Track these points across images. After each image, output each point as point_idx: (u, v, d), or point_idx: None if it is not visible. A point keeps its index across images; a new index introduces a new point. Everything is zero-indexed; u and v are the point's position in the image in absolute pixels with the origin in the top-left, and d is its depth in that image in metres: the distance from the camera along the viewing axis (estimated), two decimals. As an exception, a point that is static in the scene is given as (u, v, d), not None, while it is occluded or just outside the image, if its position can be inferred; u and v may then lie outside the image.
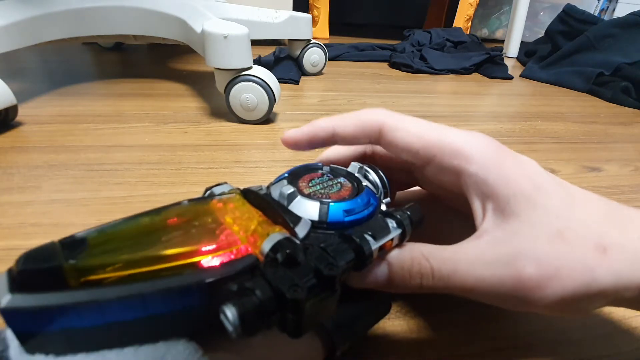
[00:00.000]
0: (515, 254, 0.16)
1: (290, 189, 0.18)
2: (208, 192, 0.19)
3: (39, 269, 0.12)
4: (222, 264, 0.14)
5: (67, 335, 0.12)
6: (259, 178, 0.40)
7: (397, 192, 0.26)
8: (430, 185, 0.23)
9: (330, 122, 0.20)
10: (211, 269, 0.14)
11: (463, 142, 0.18)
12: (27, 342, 0.12)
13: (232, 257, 0.14)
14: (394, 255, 0.17)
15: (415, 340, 0.22)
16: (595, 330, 0.24)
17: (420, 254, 0.17)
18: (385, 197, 0.21)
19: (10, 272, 0.12)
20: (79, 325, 0.12)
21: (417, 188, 0.26)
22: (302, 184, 0.19)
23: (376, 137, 0.20)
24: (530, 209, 0.16)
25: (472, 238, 0.17)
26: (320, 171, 0.21)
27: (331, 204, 0.17)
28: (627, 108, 0.80)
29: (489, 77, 0.98)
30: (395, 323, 0.23)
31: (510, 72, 1.01)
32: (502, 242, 0.16)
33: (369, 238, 0.16)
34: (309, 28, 0.83)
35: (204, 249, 0.14)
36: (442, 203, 0.24)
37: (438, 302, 0.25)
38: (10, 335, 0.13)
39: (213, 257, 0.14)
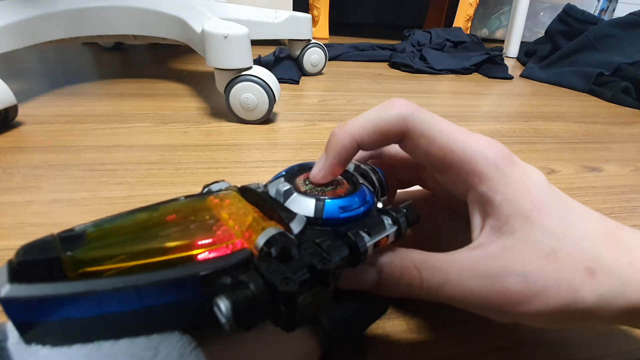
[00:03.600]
0: (505, 270, 0.16)
1: (286, 186, 0.18)
2: (206, 189, 0.19)
3: (37, 260, 0.13)
4: (217, 258, 0.14)
5: (64, 326, 0.13)
6: (259, 178, 0.40)
7: (398, 191, 0.26)
8: (435, 187, 0.23)
9: (351, 137, 0.18)
10: (206, 262, 0.14)
11: (480, 160, 0.17)
12: (26, 332, 0.12)
13: (227, 251, 0.15)
14: (385, 262, 0.17)
15: (415, 340, 0.22)
16: (595, 330, 0.24)
17: (411, 264, 0.17)
18: (382, 196, 0.21)
19: (10, 263, 0.13)
20: (75, 316, 0.12)
21: (418, 188, 0.26)
22: (298, 181, 0.20)
23: (398, 140, 0.19)
24: (527, 229, 0.16)
25: (466, 249, 0.18)
26: None
27: (327, 200, 0.17)
28: (627, 108, 0.80)
29: (489, 77, 0.98)
30: (395, 323, 0.23)
31: (510, 72, 1.01)
32: (493, 257, 0.17)
33: (364, 235, 0.16)
34: (309, 28, 0.83)
35: (199, 243, 0.14)
36: (443, 203, 0.24)
37: (438, 302, 0.25)
38: (10, 327, 0.13)
39: (208, 251, 0.14)
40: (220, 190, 0.19)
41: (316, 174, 0.19)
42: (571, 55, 0.99)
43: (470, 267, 0.17)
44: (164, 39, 0.67)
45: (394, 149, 0.23)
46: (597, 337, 0.23)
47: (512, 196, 0.17)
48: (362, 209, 0.18)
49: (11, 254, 0.13)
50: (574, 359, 0.22)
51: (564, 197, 0.18)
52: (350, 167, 0.21)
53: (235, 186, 0.19)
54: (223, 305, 0.12)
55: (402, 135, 0.18)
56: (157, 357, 0.13)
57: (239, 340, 0.16)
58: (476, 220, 0.18)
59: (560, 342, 0.23)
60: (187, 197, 0.18)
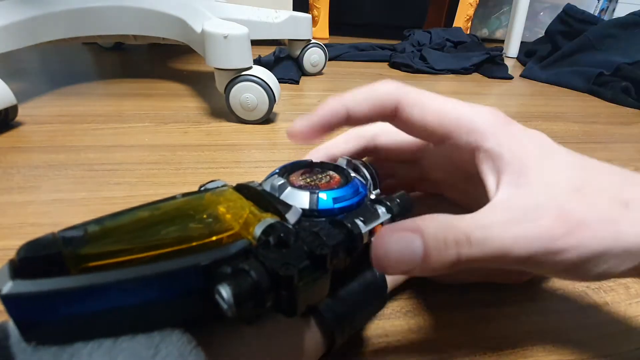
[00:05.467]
0: (538, 210, 0.15)
1: (281, 181, 0.18)
2: (202, 188, 0.20)
3: (39, 256, 0.13)
4: (216, 249, 0.14)
5: (65, 325, 0.13)
6: (259, 178, 0.40)
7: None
8: (436, 171, 0.23)
9: (342, 103, 0.18)
10: (206, 253, 0.14)
11: (479, 119, 0.17)
12: (27, 331, 0.12)
13: (226, 242, 0.15)
14: (425, 225, 0.15)
15: (415, 340, 0.22)
16: (595, 330, 0.24)
17: (448, 222, 0.15)
18: (375, 189, 0.22)
19: (11, 261, 0.13)
20: (78, 312, 0.12)
21: (417, 193, 0.26)
22: (292, 177, 0.20)
23: (391, 115, 0.18)
24: (545, 174, 0.16)
25: (489, 206, 0.16)
26: (310, 167, 0.22)
27: (321, 192, 0.18)
28: (627, 108, 0.80)
29: (489, 77, 0.98)
30: (395, 323, 0.23)
31: (510, 72, 1.01)
32: (522, 206, 0.15)
33: (359, 222, 0.17)
34: (309, 28, 0.83)
35: (198, 236, 0.15)
36: (445, 201, 0.24)
37: (438, 302, 0.25)
38: (11, 325, 0.13)
39: (208, 244, 0.14)
40: (216, 187, 0.19)
41: (295, 126, 0.19)
42: (571, 55, 0.99)
43: (506, 215, 0.15)
44: (164, 39, 0.67)
45: (388, 137, 0.23)
46: (597, 337, 0.23)
47: (522, 146, 0.16)
48: (355, 199, 0.18)
49: (11, 254, 0.13)
50: (574, 359, 0.22)
51: (570, 150, 0.17)
52: (343, 162, 0.22)
53: (232, 185, 0.19)
54: (224, 291, 0.12)
55: (393, 108, 0.18)
56: (158, 356, 0.13)
57: (239, 338, 0.16)
58: (490, 180, 0.17)
59: (560, 343, 0.23)
60: (184, 194, 0.18)
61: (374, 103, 0.18)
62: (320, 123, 0.18)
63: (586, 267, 0.15)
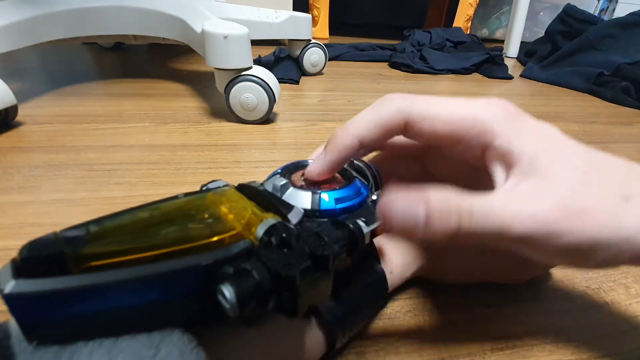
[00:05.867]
0: (542, 194, 0.16)
1: (283, 181, 0.19)
2: (204, 188, 0.20)
3: (41, 256, 0.13)
4: (218, 249, 0.14)
5: (67, 324, 0.13)
6: (259, 178, 0.40)
7: None
8: (440, 167, 0.23)
9: (353, 135, 0.18)
10: (207, 253, 0.14)
11: (488, 118, 0.17)
12: (29, 331, 0.12)
13: (228, 243, 0.15)
14: (432, 192, 0.15)
15: (415, 340, 0.22)
16: (595, 330, 0.24)
17: (454, 194, 0.16)
18: (376, 189, 0.22)
19: (13, 261, 0.13)
20: (79, 312, 0.12)
21: None
22: (294, 177, 0.20)
23: (401, 131, 0.19)
24: (552, 165, 0.16)
25: (495, 190, 0.17)
26: None
27: (323, 193, 0.18)
28: (627, 108, 0.80)
29: (489, 77, 0.98)
30: (395, 323, 0.23)
31: (510, 72, 1.01)
32: (526, 188, 0.16)
33: (361, 223, 0.17)
34: (309, 28, 0.83)
35: (200, 236, 0.15)
36: None
37: (438, 302, 0.25)
38: (12, 325, 0.13)
39: (209, 244, 0.14)
40: (218, 187, 0.19)
41: (312, 170, 0.19)
42: (571, 55, 0.99)
43: (507, 196, 0.16)
44: (164, 39, 0.67)
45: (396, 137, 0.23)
46: (597, 337, 0.23)
47: (531, 140, 0.17)
48: (357, 200, 0.19)
49: (11, 254, 0.13)
50: (574, 359, 0.22)
51: (579, 143, 0.18)
52: None
53: (234, 185, 0.19)
54: (227, 291, 0.12)
55: (403, 126, 0.18)
56: (158, 355, 0.13)
57: (239, 338, 0.16)
58: (499, 174, 0.18)
59: (561, 342, 0.23)
60: (186, 194, 0.18)
61: (383, 128, 0.18)
62: (333, 161, 0.19)
63: (584, 253, 0.15)
